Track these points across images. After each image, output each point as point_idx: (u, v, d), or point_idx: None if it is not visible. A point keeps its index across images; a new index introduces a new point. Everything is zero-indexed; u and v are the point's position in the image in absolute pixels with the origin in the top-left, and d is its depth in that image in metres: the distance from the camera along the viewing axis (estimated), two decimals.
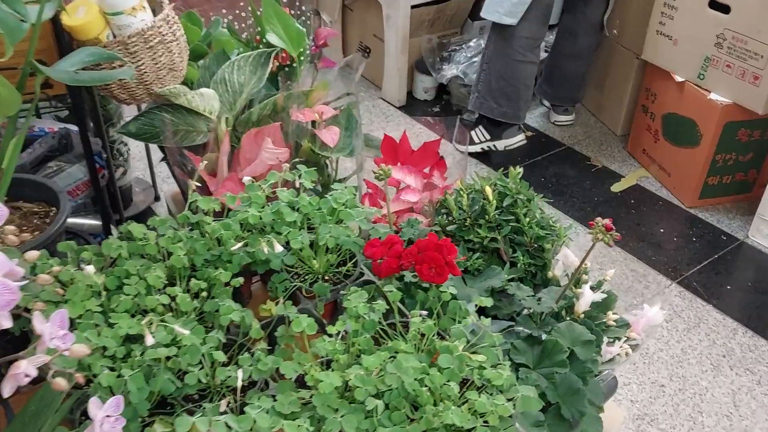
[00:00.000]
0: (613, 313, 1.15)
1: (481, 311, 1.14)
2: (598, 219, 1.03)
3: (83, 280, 0.87)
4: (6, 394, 0.54)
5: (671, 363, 1.82)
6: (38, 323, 0.55)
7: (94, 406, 0.60)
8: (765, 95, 2.06)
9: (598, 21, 2.55)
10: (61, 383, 0.54)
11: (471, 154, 2.59)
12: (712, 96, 2.20)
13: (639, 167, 2.57)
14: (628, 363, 1.83)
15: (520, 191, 1.20)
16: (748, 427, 1.66)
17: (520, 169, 1.24)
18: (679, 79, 2.30)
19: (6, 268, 0.52)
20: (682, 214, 2.35)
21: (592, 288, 1.16)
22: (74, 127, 1.55)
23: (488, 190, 1.18)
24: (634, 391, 1.74)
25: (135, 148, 2.13)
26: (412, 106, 2.93)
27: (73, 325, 0.82)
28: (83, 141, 1.35)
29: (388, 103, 2.93)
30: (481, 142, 2.54)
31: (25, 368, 0.52)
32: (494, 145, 2.53)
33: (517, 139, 2.52)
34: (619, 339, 1.10)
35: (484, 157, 2.59)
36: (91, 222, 1.55)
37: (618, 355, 1.08)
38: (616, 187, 2.46)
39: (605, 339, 1.07)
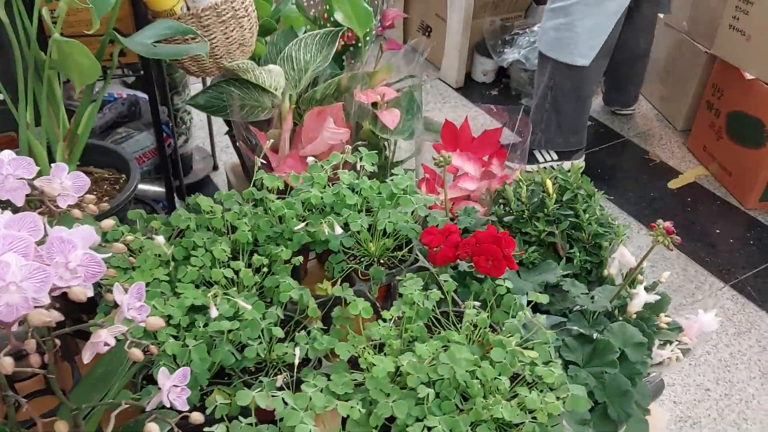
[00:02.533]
0: (666, 316, 1.14)
1: (534, 306, 1.15)
2: (660, 221, 1.02)
3: (152, 249, 0.91)
4: (86, 360, 0.57)
5: (718, 367, 1.79)
6: (118, 294, 0.58)
7: (162, 375, 0.63)
8: None
9: (654, 17, 2.47)
10: (138, 354, 0.57)
11: None
12: None
13: (698, 164, 2.51)
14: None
15: (581, 186, 1.19)
16: None
17: (582, 163, 1.23)
18: (749, 76, 2.23)
19: (92, 241, 0.55)
20: (740, 216, 2.30)
21: (646, 289, 1.15)
22: (143, 95, 1.59)
23: (549, 183, 1.18)
24: (678, 393, 1.73)
25: (197, 116, 2.18)
26: (469, 88, 2.91)
27: None
28: (153, 110, 1.38)
29: (446, 84, 2.92)
30: (547, 162, 2.43)
31: (105, 337, 0.56)
32: (562, 164, 2.44)
33: (582, 157, 2.42)
34: (670, 342, 1.09)
35: None
36: (156, 189, 1.59)
37: (668, 358, 1.07)
38: (673, 184, 2.42)
39: (656, 342, 1.07)
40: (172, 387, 0.63)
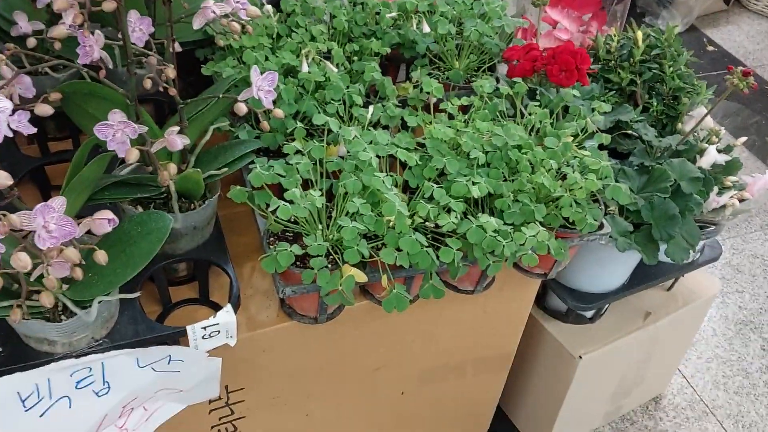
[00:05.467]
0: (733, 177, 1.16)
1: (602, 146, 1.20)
2: (739, 67, 1.04)
3: (262, 22, 1.03)
4: (196, 26, 0.69)
5: None
6: None
7: (254, 72, 0.75)
8: None
9: None
10: (237, 26, 0.69)
11: None
12: None
13: None
14: (747, 274, 1.80)
15: (672, 45, 1.21)
16: None
17: (677, 26, 1.24)
18: None
19: None
20: None
21: (719, 151, 1.17)
22: None
23: (639, 34, 1.20)
24: (746, 300, 1.73)
25: None
26: None
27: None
28: None
29: None
30: None
31: (212, 5, 0.68)
32: None
33: None
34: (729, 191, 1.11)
35: None
36: None
37: (726, 206, 1.10)
38: None
39: (715, 188, 1.09)
40: (261, 84, 0.75)
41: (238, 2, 0.70)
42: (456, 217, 0.82)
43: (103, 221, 0.57)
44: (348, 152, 0.85)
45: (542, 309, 1.25)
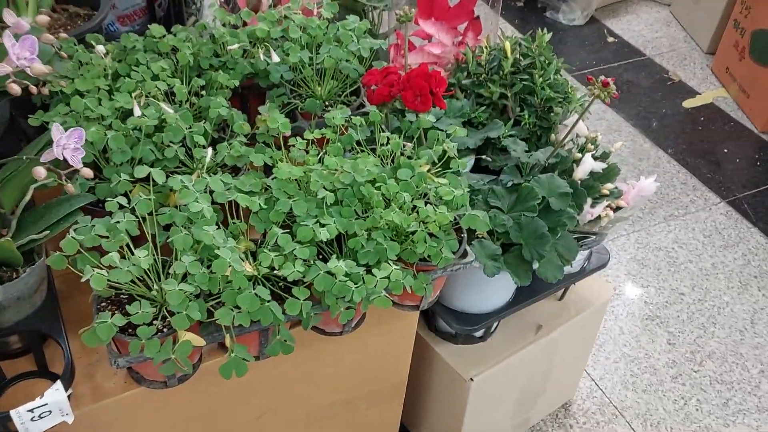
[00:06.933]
0: (611, 184, 1.15)
1: (476, 165, 1.17)
2: (601, 76, 1.03)
3: (98, 63, 0.96)
4: None
5: (698, 275, 1.79)
6: (7, 40, 0.63)
7: (56, 130, 0.68)
8: None
9: None
10: (17, 89, 0.62)
11: None
12: None
13: (719, 87, 2.44)
14: (652, 268, 1.81)
15: (542, 53, 1.19)
16: (760, 345, 1.63)
17: (548, 34, 1.22)
18: None
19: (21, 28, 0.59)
20: (751, 138, 2.24)
21: (595, 158, 1.15)
22: None
23: (507, 45, 1.18)
24: (651, 294, 1.73)
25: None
26: None
27: (82, 96, 0.91)
28: None
29: None
30: None
31: None
32: None
33: None
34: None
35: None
36: None
37: (601, 217, 1.08)
38: (689, 103, 2.36)
39: (589, 200, 1.07)
40: (66, 144, 0.68)
41: (22, 59, 0.63)
42: (302, 265, 0.77)
43: None
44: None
45: (433, 331, 1.21)
